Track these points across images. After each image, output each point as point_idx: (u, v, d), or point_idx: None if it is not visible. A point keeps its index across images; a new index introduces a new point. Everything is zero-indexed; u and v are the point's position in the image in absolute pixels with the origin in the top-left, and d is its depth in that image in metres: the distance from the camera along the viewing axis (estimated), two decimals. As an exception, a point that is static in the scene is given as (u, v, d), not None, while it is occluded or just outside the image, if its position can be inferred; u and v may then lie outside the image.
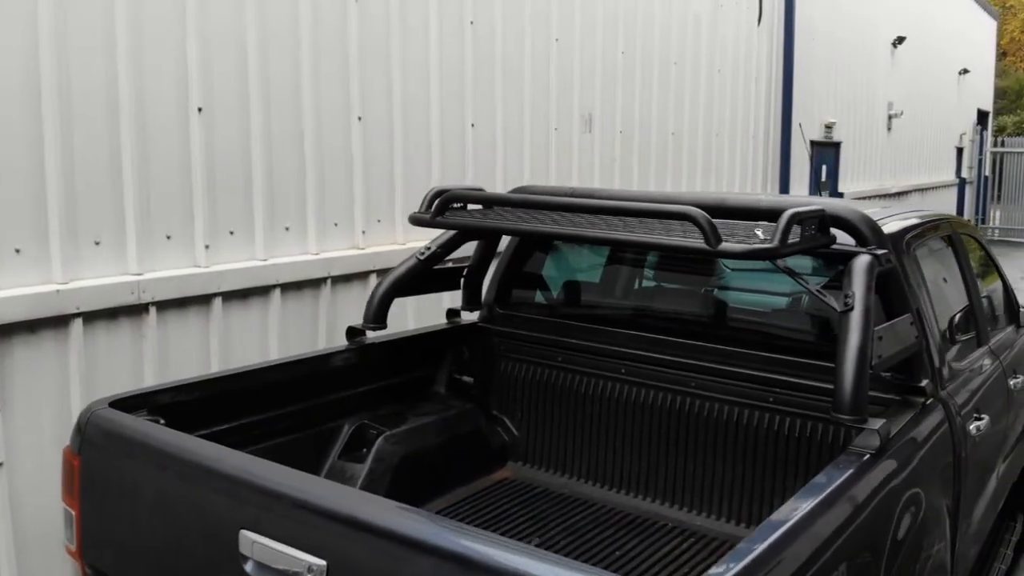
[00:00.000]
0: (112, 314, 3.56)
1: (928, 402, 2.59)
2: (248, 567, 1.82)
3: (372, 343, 3.12)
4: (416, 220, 2.81)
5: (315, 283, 4.41)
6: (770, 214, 2.41)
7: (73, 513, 2.23)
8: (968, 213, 19.25)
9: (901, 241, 2.79)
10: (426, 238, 3.53)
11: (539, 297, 3.47)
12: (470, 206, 2.89)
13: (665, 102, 7.57)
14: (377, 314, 3.03)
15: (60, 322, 3.37)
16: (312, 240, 4.45)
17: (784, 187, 10.09)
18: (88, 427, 2.20)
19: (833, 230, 2.51)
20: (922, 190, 15.35)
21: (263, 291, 4.18)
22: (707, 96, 8.26)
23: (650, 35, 7.28)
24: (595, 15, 6.54)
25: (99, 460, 2.17)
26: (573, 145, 6.44)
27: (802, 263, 2.98)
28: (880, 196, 13.10)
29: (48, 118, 3.32)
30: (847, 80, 11.91)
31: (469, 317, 3.55)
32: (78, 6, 3.41)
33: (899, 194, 13.92)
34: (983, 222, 20.66)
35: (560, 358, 3.21)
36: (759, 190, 9.56)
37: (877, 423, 2.17)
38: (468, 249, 3.56)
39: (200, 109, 3.86)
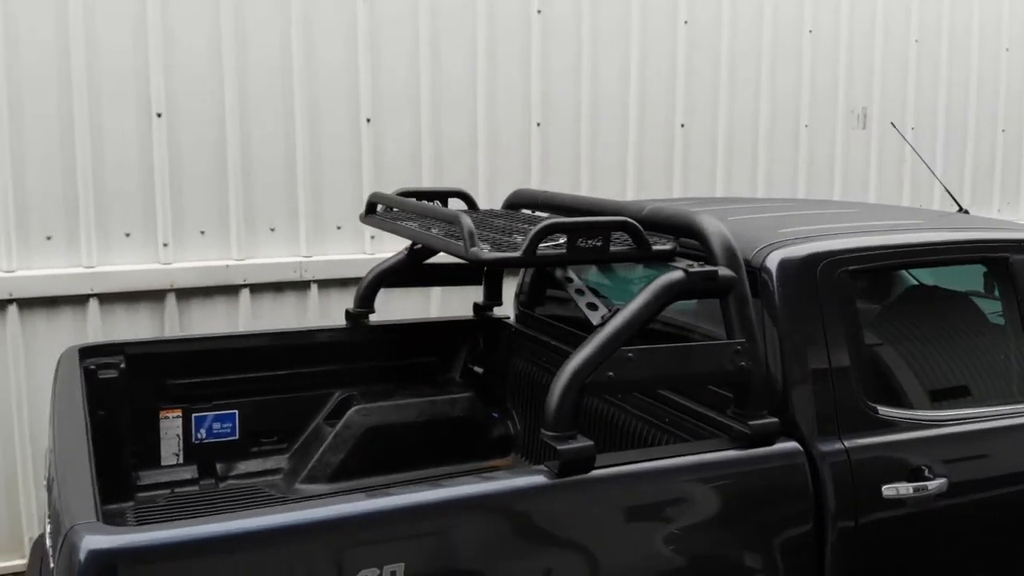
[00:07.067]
0: (277, 288, 4.36)
1: (775, 445, 2.21)
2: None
3: (382, 325, 3.46)
4: (360, 218, 3.12)
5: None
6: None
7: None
8: None
9: (814, 265, 2.40)
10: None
11: (555, 296, 3.49)
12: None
13: (991, 94, 6.50)
14: (363, 300, 3.38)
15: (231, 291, 4.25)
16: (484, 235, 4.85)
17: None
18: (57, 365, 2.90)
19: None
20: None
21: (423, 278, 4.70)
22: None
23: (964, 17, 6.32)
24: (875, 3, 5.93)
25: (56, 392, 2.84)
26: (836, 145, 5.92)
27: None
28: None
29: (230, 124, 4.19)
30: None
31: (503, 311, 3.68)
32: (255, 11, 4.20)
33: None
34: None
35: (544, 359, 3.22)
36: None
37: (579, 444, 1.97)
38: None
39: (368, 120, 4.49)
